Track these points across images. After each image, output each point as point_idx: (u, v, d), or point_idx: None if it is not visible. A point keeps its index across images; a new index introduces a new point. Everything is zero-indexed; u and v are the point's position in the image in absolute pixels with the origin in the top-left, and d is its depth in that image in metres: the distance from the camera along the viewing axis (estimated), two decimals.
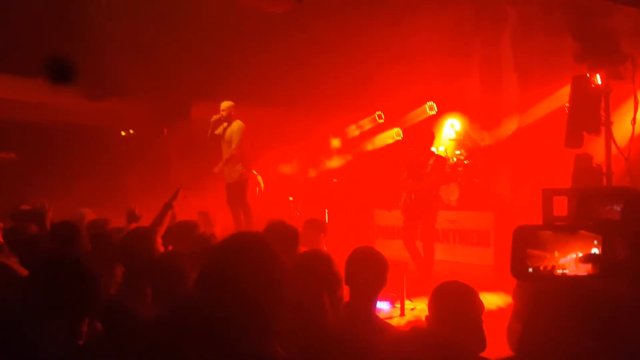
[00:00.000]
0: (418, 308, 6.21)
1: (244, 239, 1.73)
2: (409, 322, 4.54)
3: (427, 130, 7.77)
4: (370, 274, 2.81)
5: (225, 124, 8.00)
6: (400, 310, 6.07)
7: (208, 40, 8.62)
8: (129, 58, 8.45)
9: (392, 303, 6.26)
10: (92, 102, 9.25)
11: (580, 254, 1.82)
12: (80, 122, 10.08)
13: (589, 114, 5.52)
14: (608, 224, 1.93)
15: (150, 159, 11.09)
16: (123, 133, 11.27)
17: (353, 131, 11.37)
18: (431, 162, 7.04)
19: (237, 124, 7.99)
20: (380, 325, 2.68)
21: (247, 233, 1.86)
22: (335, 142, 11.21)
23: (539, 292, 1.67)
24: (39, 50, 7.46)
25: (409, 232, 7.23)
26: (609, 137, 5.74)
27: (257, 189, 9.65)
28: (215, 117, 7.95)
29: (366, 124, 11.23)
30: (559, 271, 1.85)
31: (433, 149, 7.73)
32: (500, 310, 5.81)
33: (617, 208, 3.37)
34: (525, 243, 1.89)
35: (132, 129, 11.25)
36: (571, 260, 1.82)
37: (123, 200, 9.13)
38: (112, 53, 8.32)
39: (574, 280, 1.77)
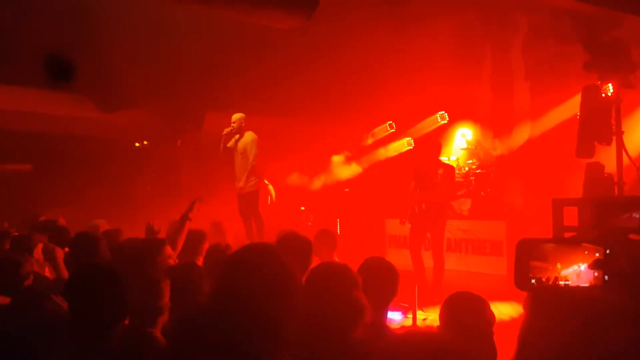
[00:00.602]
0: (430, 318, 6.19)
1: (257, 252, 1.76)
2: (403, 327, 4.53)
3: (434, 140, 7.76)
4: (381, 284, 2.82)
5: (237, 136, 8.07)
6: (412, 321, 6.06)
7: (219, 52, 8.72)
8: (142, 70, 8.58)
9: (404, 313, 6.25)
10: (107, 114, 9.38)
11: (583, 267, 1.85)
12: (94, 134, 10.22)
13: (600, 124, 5.52)
14: (613, 236, 1.95)
15: (163, 170, 11.20)
16: (137, 144, 11.39)
17: (365, 140, 11.39)
18: (440, 172, 7.02)
19: (250, 135, 8.04)
20: (387, 334, 2.69)
21: (260, 246, 1.89)
22: (345, 154, 11.22)
23: (538, 302, 1.70)
24: (52, 63, 7.60)
25: (416, 242, 7.20)
26: (620, 146, 5.73)
27: (269, 198, 9.71)
28: (226, 130, 8.02)
29: (378, 133, 11.25)
30: (562, 282, 1.88)
31: (444, 158, 7.72)
32: (512, 321, 5.78)
33: (636, 215, 3.39)
34: (528, 255, 1.93)
35: (146, 141, 11.37)
36: (573, 272, 1.85)
37: (137, 211, 9.28)
38: (126, 65, 8.44)
39: (576, 290, 1.80)
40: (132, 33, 8.13)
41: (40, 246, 3.94)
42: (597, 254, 1.83)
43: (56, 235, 4.53)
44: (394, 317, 6.08)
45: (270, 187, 9.64)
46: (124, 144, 11.03)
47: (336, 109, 10.13)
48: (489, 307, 2.43)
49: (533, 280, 1.90)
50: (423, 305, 6.38)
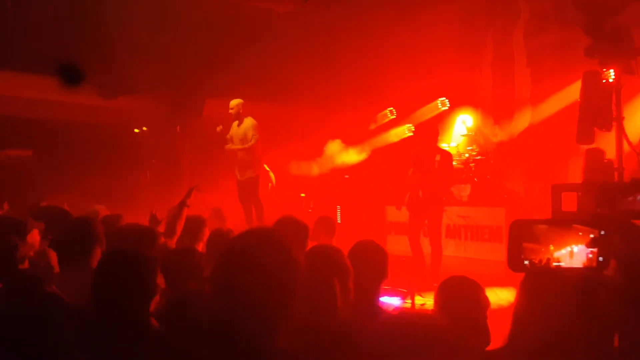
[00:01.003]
0: (428, 303, 6.22)
1: (257, 236, 1.74)
2: (396, 308, 4.55)
3: (432, 126, 7.73)
4: (371, 266, 2.83)
5: (236, 122, 8.04)
6: (411, 306, 6.09)
7: (219, 39, 8.69)
8: (142, 57, 8.54)
9: (403, 298, 6.28)
10: (106, 100, 9.36)
11: (575, 248, 1.85)
12: (94, 120, 10.21)
13: (600, 110, 5.51)
14: (612, 218, 1.96)
15: (163, 156, 11.21)
16: (136, 130, 11.38)
17: (369, 126, 11.34)
18: (438, 158, 7.01)
19: (249, 121, 8.00)
20: (380, 315, 2.72)
21: (261, 230, 1.87)
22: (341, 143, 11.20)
23: (530, 283, 1.71)
24: (54, 50, 7.58)
25: (414, 228, 7.21)
26: (621, 132, 5.72)
27: (270, 184, 9.72)
28: (219, 128, 8.01)
29: (379, 119, 11.22)
30: (554, 264, 1.89)
31: (443, 145, 7.70)
32: (511, 306, 5.80)
33: None
34: (520, 237, 1.93)
35: (146, 127, 11.35)
36: (566, 254, 1.86)
37: (137, 197, 9.30)
38: (126, 52, 8.41)
39: (569, 271, 1.80)
40: (133, 20, 8.10)
41: (35, 232, 3.92)
42: (591, 235, 1.83)
43: (57, 221, 4.50)
44: (393, 302, 6.11)
45: (271, 173, 9.64)
46: (124, 130, 11.02)
47: (337, 95, 10.10)
48: (483, 292, 2.44)
49: (526, 262, 1.91)
50: (421, 291, 6.41)
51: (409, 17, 8.43)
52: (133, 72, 8.72)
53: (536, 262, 1.87)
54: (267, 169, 9.70)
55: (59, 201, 6.72)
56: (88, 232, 3.07)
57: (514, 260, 1.93)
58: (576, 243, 1.83)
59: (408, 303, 6.16)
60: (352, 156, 10.94)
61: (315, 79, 9.54)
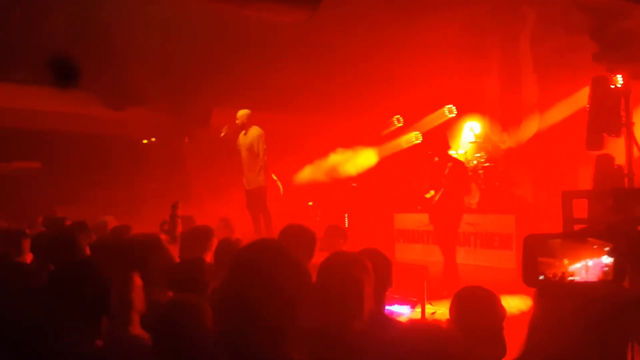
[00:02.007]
0: (439, 312, 6.17)
1: (266, 247, 1.72)
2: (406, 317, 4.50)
3: (441, 135, 7.68)
4: (376, 276, 2.79)
5: (243, 132, 8.06)
6: (421, 315, 6.05)
7: (226, 48, 8.71)
8: (149, 68, 8.59)
9: (413, 307, 6.24)
10: (114, 111, 9.42)
11: (590, 262, 1.82)
12: (102, 131, 10.26)
13: (609, 115, 5.46)
14: (621, 228, 1.93)
15: (170, 167, 11.25)
16: (145, 141, 11.42)
17: (375, 133, 11.34)
18: (450, 165, 6.98)
19: (256, 131, 8.02)
20: (390, 325, 2.69)
21: (269, 241, 1.85)
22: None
23: (546, 298, 1.68)
24: (63, 61, 7.63)
25: (438, 235, 7.21)
26: (630, 138, 5.67)
27: (278, 193, 9.72)
28: (223, 131, 8.04)
29: (385, 127, 11.22)
30: (570, 278, 1.85)
31: (452, 153, 7.65)
32: (522, 314, 5.75)
33: None
34: (535, 251, 1.90)
35: (154, 137, 11.39)
36: (581, 267, 1.83)
37: (145, 208, 9.32)
38: (133, 63, 8.46)
39: (584, 285, 1.77)
40: (140, 31, 8.14)
41: None
42: (605, 248, 1.80)
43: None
44: (402, 310, 6.07)
45: (279, 182, 9.64)
46: (132, 141, 11.06)
47: (344, 103, 10.10)
48: (500, 302, 2.40)
49: (541, 277, 1.88)
50: (432, 299, 6.36)
51: (415, 24, 8.41)
52: (140, 83, 8.77)
53: (551, 276, 1.84)
54: (275, 178, 9.70)
55: (64, 213, 6.77)
56: None
57: (529, 275, 1.90)
58: (591, 257, 1.80)
59: (418, 312, 6.12)
60: (362, 160, 10.92)
61: (322, 88, 9.55)
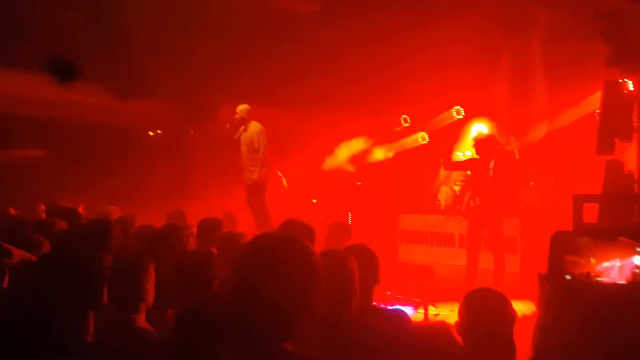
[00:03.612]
0: (442, 314, 6.14)
1: (279, 237, 1.68)
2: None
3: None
4: (365, 270, 2.76)
5: (242, 128, 8.03)
6: (424, 316, 6.01)
7: (235, 43, 8.69)
8: (158, 60, 8.57)
9: (416, 308, 6.21)
10: (122, 102, 9.40)
11: (619, 262, 1.76)
12: (109, 122, 10.24)
13: (621, 120, 5.41)
14: None
15: (175, 159, 11.24)
16: (151, 133, 11.40)
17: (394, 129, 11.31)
18: (492, 165, 6.62)
19: (256, 126, 7.97)
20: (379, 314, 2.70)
21: (281, 233, 1.80)
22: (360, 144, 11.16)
23: (564, 297, 1.64)
24: (70, 50, 7.61)
25: (471, 240, 6.79)
26: None
27: (282, 188, 9.69)
28: (227, 125, 8.02)
29: (392, 127, 11.18)
30: (597, 278, 1.79)
31: (458, 153, 7.43)
32: (525, 318, 5.70)
33: None
34: (562, 249, 1.84)
35: (160, 130, 11.37)
36: (609, 267, 1.77)
37: (149, 199, 9.30)
38: (143, 55, 8.44)
39: (613, 287, 1.71)
40: (150, 23, 8.13)
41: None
42: (637, 249, 1.74)
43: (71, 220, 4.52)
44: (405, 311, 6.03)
45: (283, 179, 9.60)
46: (138, 133, 11.04)
47: (351, 102, 10.06)
48: (511, 305, 2.36)
49: (568, 276, 1.82)
50: (436, 301, 6.31)
51: (425, 28, 8.37)
52: (149, 75, 8.75)
53: (577, 275, 1.78)
54: (280, 174, 9.67)
55: (74, 202, 6.76)
56: None
57: (556, 274, 1.84)
58: (621, 257, 1.74)
59: (421, 313, 6.08)
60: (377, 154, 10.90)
61: (330, 86, 9.51)
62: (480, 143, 6.93)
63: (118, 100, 9.32)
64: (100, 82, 9.03)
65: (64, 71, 6.89)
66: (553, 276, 1.83)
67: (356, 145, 10.93)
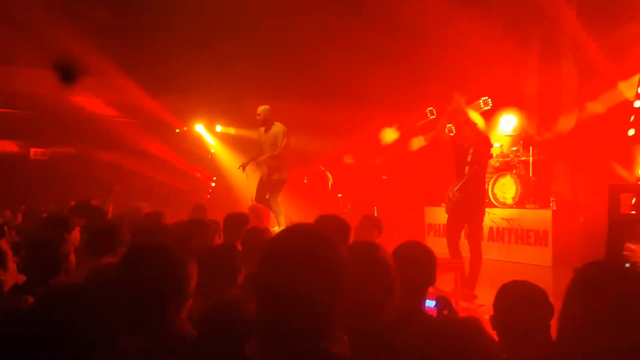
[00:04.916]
0: (471, 308, 6.03)
1: (305, 231, 1.63)
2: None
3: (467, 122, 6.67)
4: (418, 270, 2.63)
5: (262, 128, 8.03)
6: (454, 310, 5.90)
7: (259, 40, 8.70)
8: (186, 57, 8.63)
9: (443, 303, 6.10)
10: (151, 99, 9.50)
11: None
12: (137, 118, 10.36)
13: None
14: None
15: (202, 156, 11.34)
16: (177, 130, 11.48)
17: (403, 127, 11.23)
18: (471, 151, 6.11)
19: (279, 127, 7.95)
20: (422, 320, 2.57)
21: (307, 225, 1.75)
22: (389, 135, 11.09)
23: (602, 284, 1.55)
24: (101, 50, 7.75)
25: (450, 231, 6.35)
26: None
27: (328, 184, 9.74)
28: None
29: (417, 119, 11.07)
30: None
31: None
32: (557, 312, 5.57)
33: None
34: (622, 235, 1.73)
35: (186, 127, 11.43)
36: None
37: (175, 195, 9.40)
38: (171, 52, 8.51)
39: None
40: (179, 20, 8.19)
41: (77, 229, 3.91)
42: None
43: (91, 218, 4.52)
44: (430, 304, 5.92)
45: (328, 173, 9.64)
46: (165, 129, 11.12)
47: (379, 94, 9.97)
48: (548, 298, 2.25)
49: (627, 265, 1.72)
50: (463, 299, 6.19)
51: (453, 16, 8.22)
52: (178, 72, 8.82)
53: (637, 263, 1.68)
54: (323, 169, 9.73)
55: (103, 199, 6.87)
56: None
57: (614, 261, 1.71)
58: None
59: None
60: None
61: (356, 79, 9.43)
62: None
63: (147, 97, 9.43)
64: (130, 79, 9.12)
65: (69, 73, 7.02)
66: (611, 263, 1.72)
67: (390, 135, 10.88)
